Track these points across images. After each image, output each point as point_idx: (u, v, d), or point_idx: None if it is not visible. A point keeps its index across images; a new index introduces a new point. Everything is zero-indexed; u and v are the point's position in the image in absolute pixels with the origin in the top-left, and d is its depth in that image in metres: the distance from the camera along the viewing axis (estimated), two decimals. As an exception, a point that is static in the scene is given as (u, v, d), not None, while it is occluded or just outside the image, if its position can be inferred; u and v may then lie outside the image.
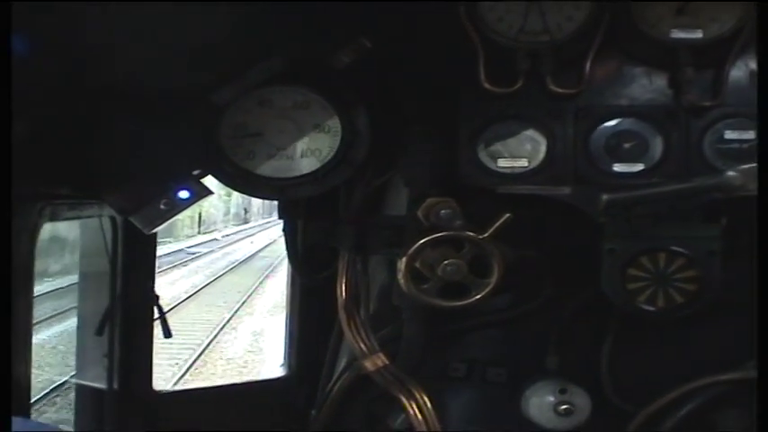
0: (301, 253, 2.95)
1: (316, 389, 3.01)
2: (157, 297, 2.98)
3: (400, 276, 2.45)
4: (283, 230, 2.90)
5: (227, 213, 49.22)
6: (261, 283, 22.97)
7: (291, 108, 2.56)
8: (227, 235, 40.82)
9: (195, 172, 2.55)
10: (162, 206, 2.47)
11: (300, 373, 3.20)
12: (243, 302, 19.85)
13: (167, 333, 3.02)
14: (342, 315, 2.70)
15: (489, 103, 2.48)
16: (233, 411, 3.10)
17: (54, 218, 2.38)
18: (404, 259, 2.44)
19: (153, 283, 3.00)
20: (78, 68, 2.08)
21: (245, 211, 52.14)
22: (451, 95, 2.53)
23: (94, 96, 2.21)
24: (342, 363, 2.91)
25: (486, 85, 2.42)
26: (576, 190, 2.48)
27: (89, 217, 2.69)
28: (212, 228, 44.17)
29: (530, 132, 2.50)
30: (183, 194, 2.49)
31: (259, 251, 32.09)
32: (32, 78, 1.93)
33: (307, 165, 2.57)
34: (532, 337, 2.72)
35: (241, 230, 44.88)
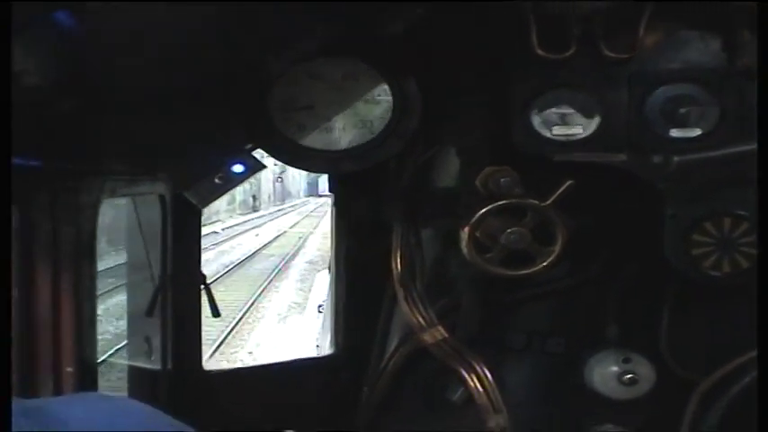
0: (353, 227, 3.01)
1: (365, 366, 3.07)
2: (204, 276, 3.06)
3: (463, 246, 2.51)
4: (334, 204, 2.96)
5: (231, 202, 46.93)
6: (258, 297, 18.81)
7: (341, 80, 2.60)
8: (230, 227, 37.93)
9: (248, 146, 2.61)
10: (217, 180, 2.53)
11: (348, 350, 3.27)
12: (219, 345, 14.25)
13: (216, 312, 3.10)
14: (398, 288, 2.76)
15: (541, 71, 2.53)
16: (281, 390, 3.17)
17: (112, 194, 2.44)
18: (466, 228, 2.49)
19: (199, 262, 3.08)
20: (130, 43, 2.13)
21: (254, 198, 50.11)
22: (503, 63, 2.57)
23: (147, 71, 2.26)
24: (394, 338, 2.97)
25: (539, 52, 2.47)
26: (632, 156, 2.53)
27: (141, 194, 2.75)
28: (214, 218, 40.22)
29: (583, 99, 2.54)
30: (238, 168, 2.56)
31: (263, 247, 29.34)
32: (85, 53, 1.98)
33: (358, 137, 2.61)
34: (591, 307, 2.78)
35: (248, 221, 42.78)
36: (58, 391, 2.25)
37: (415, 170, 2.74)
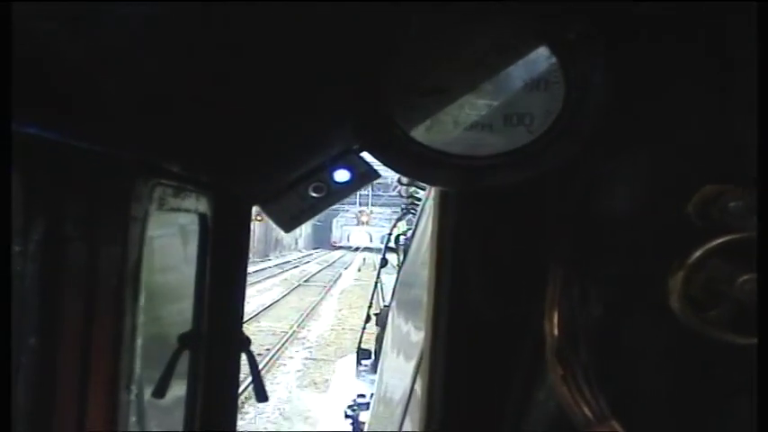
0: (477, 271, 2.30)
1: None
2: (248, 341, 2.32)
3: (673, 300, 1.87)
4: (457, 233, 2.26)
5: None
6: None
7: (491, 53, 1.96)
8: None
9: (355, 146, 1.95)
10: (311, 192, 1.88)
11: None
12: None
13: (262, 396, 2.37)
14: (552, 363, 2.06)
15: None
16: None
17: (160, 206, 1.79)
18: (679, 274, 1.85)
19: (242, 319, 2.35)
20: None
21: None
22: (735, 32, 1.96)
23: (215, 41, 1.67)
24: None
25: None
26: None
27: (186, 211, 2.05)
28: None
29: None
30: (342, 176, 1.91)
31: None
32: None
33: (511, 137, 1.96)
34: None
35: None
36: None
37: (588, 189, 2.08)
